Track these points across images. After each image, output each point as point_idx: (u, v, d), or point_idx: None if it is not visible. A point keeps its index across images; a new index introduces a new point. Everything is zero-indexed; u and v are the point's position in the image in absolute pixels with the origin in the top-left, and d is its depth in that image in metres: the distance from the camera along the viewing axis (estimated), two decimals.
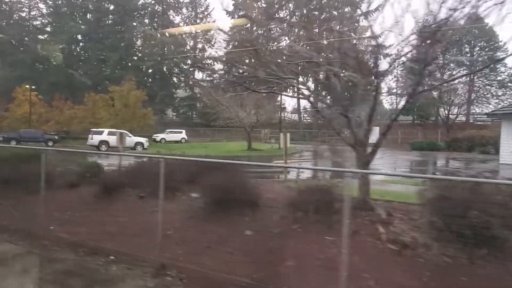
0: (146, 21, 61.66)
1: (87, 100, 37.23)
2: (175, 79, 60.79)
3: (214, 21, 57.95)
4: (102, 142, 26.99)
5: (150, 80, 59.93)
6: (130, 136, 28.82)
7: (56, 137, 34.94)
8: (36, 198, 6.91)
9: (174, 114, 58.18)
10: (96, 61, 62.44)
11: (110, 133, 27.94)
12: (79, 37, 67.30)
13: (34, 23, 74.25)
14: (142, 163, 9.43)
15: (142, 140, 29.11)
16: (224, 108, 25.36)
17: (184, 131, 39.14)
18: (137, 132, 34.82)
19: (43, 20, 71.17)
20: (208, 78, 47.07)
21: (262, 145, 30.86)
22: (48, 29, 71.88)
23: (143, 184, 8.46)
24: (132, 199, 8.14)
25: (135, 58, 59.95)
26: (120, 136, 12.44)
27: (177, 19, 59.21)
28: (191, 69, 59.60)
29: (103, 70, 60.37)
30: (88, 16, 68.22)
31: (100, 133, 27.54)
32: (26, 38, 74.50)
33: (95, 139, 26.97)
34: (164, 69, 58.83)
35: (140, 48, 60.76)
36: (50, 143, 33.61)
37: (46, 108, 40.27)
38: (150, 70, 56.65)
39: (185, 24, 57.83)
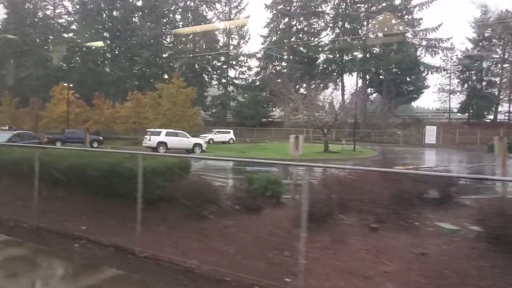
0: (178, 16, 59.60)
1: (131, 99, 35.19)
2: (206, 77, 58.49)
3: (248, 17, 55.66)
4: (160, 143, 24.82)
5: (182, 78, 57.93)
6: (188, 137, 26.64)
7: (101, 137, 32.99)
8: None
9: (207, 113, 56.02)
10: (124, 59, 60.58)
11: (168, 134, 25.81)
12: (107, 34, 65.55)
13: (60, 21, 73.04)
14: (340, 176, 6.98)
15: (200, 141, 26.88)
16: (295, 106, 22.96)
17: (231, 131, 36.92)
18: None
19: (69, 18, 69.63)
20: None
21: (331, 146, 28.38)
22: (73, 27, 70.40)
23: (363, 207, 6.14)
24: (357, 231, 5.76)
25: (166, 55, 57.89)
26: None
27: (210, 14, 56.99)
28: (224, 66, 57.35)
29: (133, 68, 58.45)
30: (115, 13, 66.52)
31: (158, 133, 25.34)
32: (50, 37, 73.43)
33: (153, 140, 24.78)
34: (196, 66, 56.64)
35: (171, 45, 58.70)
36: (95, 144, 31.64)
37: (84, 107, 38.38)
38: (183, 67, 54.44)
39: (219, 20, 55.68)
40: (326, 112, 22.94)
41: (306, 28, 50.13)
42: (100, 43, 64.83)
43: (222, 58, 56.45)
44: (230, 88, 57.10)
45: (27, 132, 23.34)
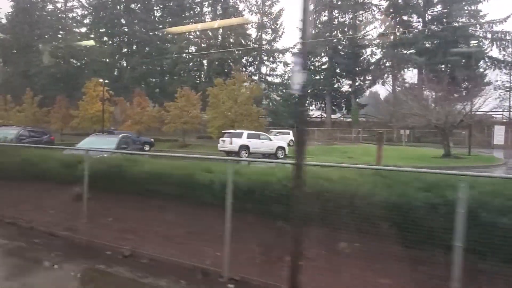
0: (208, 9, 55.68)
1: (179, 96, 31.31)
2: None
3: (282, 9, 51.92)
4: (243, 147, 21.13)
5: (212, 74, 53.92)
6: (270, 139, 23.00)
7: (152, 139, 29.16)
8: None
9: None
10: (145, 54, 56.36)
11: (250, 136, 22.14)
12: (125, 29, 61.33)
13: (71, 15, 68.46)
14: None
15: (283, 144, 23.22)
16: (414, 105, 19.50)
17: (291, 131, 33.33)
18: None
19: (84, 11, 65.07)
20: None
21: (419, 150, 25.02)
22: (87, 21, 65.92)
23: None
24: None
25: (193, 50, 53.97)
26: None
27: (241, 6, 53.13)
28: (255, 62, 53.62)
29: (160, 63, 54.40)
30: (133, 5, 62.22)
31: (239, 135, 21.61)
32: (61, 32, 68.78)
33: (235, 143, 21.04)
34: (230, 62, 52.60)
35: (197, 39, 54.74)
36: (147, 147, 27.82)
37: (124, 105, 34.37)
38: (216, 63, 50.56)
39: (251, 13, 51.85)
40: (445, 110, 19.43)
41: (351, 21, 46.68)
42: (91, 42, 60.65)
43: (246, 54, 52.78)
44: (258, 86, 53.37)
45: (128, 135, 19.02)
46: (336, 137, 41.43)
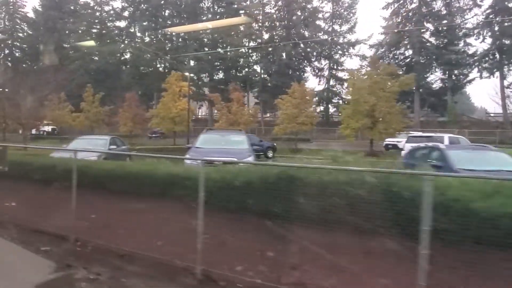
0: None
1: (292, 92, 26.02)
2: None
3: None
4: None
5: (264, 69, 48.66)
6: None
7: (275, 144, 23.81)
8: None
9: None
10: (189, 48, 50.68)
11: (451, 141, 16.76)
12: (171, 22, 55.86)
13: (106, 8, 62.96)
14: None
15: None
16: None
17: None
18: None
19: (123, 4, 59.57)
20: None
21: None
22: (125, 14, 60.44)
23: None
24: None
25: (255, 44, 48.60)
26: None
27: None
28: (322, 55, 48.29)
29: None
30: None
31: (440, 140, 16.17)
32: (96, 26, 63.38)
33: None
34: (284, 56, 47.27)
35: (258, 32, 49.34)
36: (270, 154, 22.53)
37: (219, 102, 28.94)
38: (282, 58, 45.24)
39: (321, 1, 46.56)
40: None
41: (446, 8, 41.29)
42: (91, 43, 55.29)
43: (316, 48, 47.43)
44: (333, 82, 48.05)
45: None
46: None
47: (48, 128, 48.69)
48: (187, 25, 52.49)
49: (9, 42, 67.19)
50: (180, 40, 54.64)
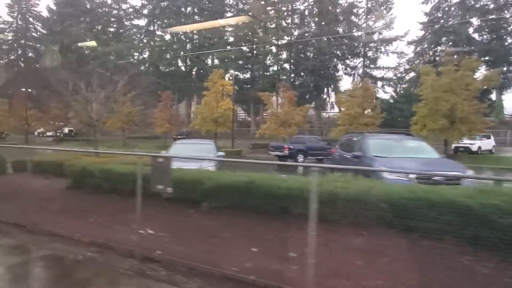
0: None
1: (354, 88, 23.77)
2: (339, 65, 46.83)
3: None
4: None
5: (295, 68, 46.38)
6: None
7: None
8: None
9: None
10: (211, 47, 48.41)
11: None
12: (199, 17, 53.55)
13: (124, 6, 60.82)
14: None
15: None
16: None
17: (491, 135, 25.74)
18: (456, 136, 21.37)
19: (143, 1, 57.40)
20: None
21: None
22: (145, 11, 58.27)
23: None
24: None
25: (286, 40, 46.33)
26: None
27: None
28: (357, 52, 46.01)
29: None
30: None
31: None
32: (113, 25, 61.30)
33: None
34: (314, 53, 45.00)
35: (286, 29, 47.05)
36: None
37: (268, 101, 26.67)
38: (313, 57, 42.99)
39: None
40: None
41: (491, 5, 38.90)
42: (93, 43, 53.14)
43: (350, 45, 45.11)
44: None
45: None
46: None
47: (65, 130, 46.78)
48: (209, 21, 50.46)
49: (22, 41, 65.20)
50: (202, 38, 52.32)
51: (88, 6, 61.14)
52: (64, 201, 7.20)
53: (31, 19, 65.90)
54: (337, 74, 45.73)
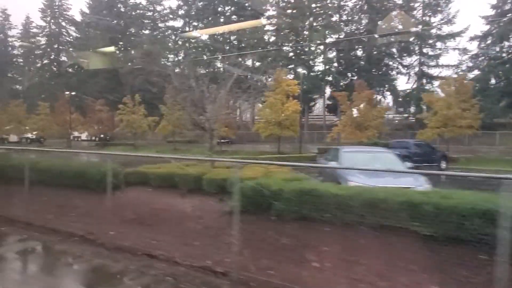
0: None
1: (444, 84, 20.87)
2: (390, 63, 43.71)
3: None
4: None
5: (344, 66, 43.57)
6: None
7: (446, 152, 18.70)
8: None
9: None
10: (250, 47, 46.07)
11: None
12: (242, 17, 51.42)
13: (158, 8, 59.38)
14: None
15: None
16: None
17: None
18: None
19: (179, 2, 55.73)
20: None
21: None
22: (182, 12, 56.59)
23: None
24: None
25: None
26: None
27: None
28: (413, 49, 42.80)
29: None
30: None
31: None
32: (148, 27, 60.00)
33: None
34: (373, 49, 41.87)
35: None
36: (443, 164, 17.41)
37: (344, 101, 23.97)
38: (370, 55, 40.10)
39: None
40: None
41: None
42: (111, 49, 51.11)
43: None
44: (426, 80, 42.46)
45: None
46: None
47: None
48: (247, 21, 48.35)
49: (56, 46, 64.66)
50: (241, 38, 50.15)
51: (122, 9, 60.00)
52: (258, 235, 4.76)
53: (63, 23, 65.47)
54: (391, 73, 42.67)
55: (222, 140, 36.26)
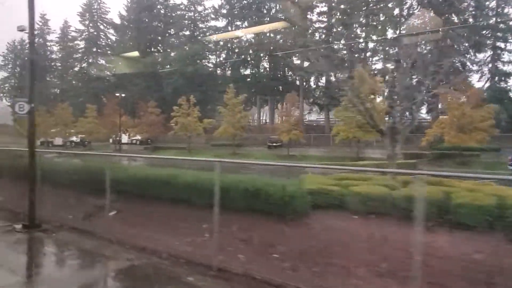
0: None
1: None
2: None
3: None
4: None
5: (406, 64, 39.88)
6: None
7: None
8: None
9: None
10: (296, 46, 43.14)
11: None
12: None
13: (199, 8, 57.62)
14: None
15: None
16: None
17: None
18: None
19: (222, 1, 53.72)
20: None
21: None
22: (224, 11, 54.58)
23: None
24: None
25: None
26: None
27: None
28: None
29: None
30: None
31: None
32: (188, 28, 58.32)
33: None
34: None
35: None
36: None
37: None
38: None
39: None
40: None
41: None
42: (135, 53, 48.62)
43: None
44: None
45: None
46: None
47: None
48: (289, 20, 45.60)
49: (94, 49, 64.09)
50: (287, 37, 47.43)
51: (162, 10, 58.69)
52: None
53: (102, 27, 64.88)
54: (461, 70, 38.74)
55: (274, 144, 33.52)
